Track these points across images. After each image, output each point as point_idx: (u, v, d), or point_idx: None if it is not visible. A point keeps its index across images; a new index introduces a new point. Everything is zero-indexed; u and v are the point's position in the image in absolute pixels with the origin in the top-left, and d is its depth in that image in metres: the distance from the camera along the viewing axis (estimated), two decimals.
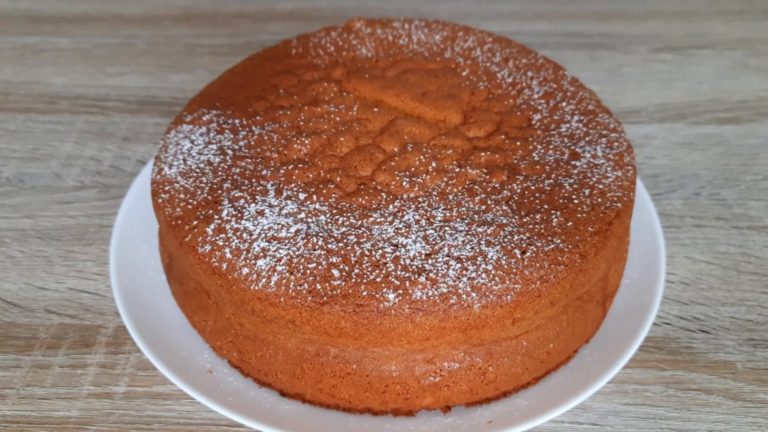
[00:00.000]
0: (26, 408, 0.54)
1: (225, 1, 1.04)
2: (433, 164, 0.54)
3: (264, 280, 0.46)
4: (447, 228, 0.49)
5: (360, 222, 0.49)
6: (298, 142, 0.56)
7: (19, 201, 0.71)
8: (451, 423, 0.50)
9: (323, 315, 0.45)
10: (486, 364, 0.49)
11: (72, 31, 0.98)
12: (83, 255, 0.66)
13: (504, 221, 0.49)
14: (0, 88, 0.87)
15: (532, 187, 0.52)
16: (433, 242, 0.48)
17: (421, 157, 0.54)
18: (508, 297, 0.46)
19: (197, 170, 0.54)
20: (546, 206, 0.50)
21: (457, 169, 0.53)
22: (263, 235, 0.49)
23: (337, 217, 0.50)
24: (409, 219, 0.50)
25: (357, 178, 0.53)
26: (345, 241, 0.48)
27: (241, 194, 0.52)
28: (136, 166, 0.75)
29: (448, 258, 0.47)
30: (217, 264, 0.48)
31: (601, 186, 0.52)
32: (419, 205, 0.51)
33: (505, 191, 0.52)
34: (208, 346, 0.55)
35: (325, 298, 0.45)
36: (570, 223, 0.49)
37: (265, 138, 0.57)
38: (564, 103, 0.60)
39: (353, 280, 0.46)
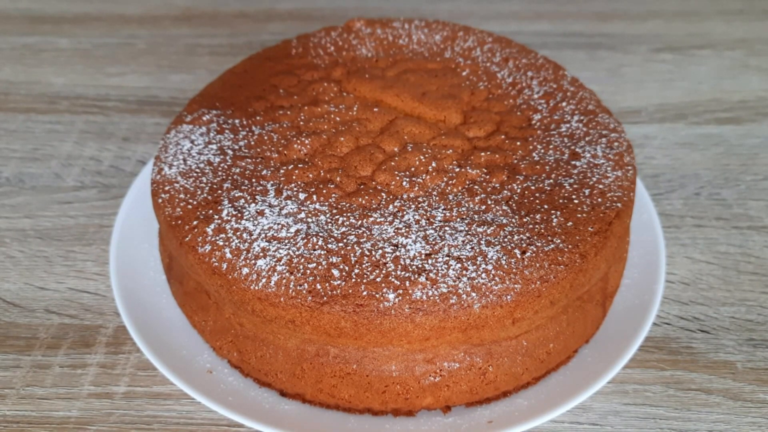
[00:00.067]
0: (26, 408, 0.54)
1: (225, 1, 1.04)
2: (433, 164, 0.54)
3: (264, 280, 0.46)
4: (447, 228, 0.49)
5: (360, 222, 0.49)
6: (298, 142, 0.56)
7: (19, 201, 0.71)
8: (451, 423, 0.50)
9: (323, 315, 0.45)
10: (486, 364, 0.49)
11: (72, 31, 0.98)
12: (83, 255, 0.66)
13: (504, 221, 0.49)
14: (0, 88, 0.87)
15: (532, 187, 0.52)
16: (433, 242, 0.48)
17: (421, 157, 0.54)
18: (508, 297, 0.46)
19: (197, 170, 0.54)
20: (546, 206, 0.50)
21: (457, 169, 0.53)
22: (263, 235, 0.49)
23: (337, 217, 0.50)
24: (409, 219, 0.50)
25: (357, 178, 0.53)
26: (345, 241, 0.48)
27: (241, 194, 0.52)
28: (136, 166, 0.75)
29: (448, 258, 0.47)
30: (217, 264, 0.48)
31: (601, 186, 0.52)
32: (419, 205, 0.51)
33: (505, 191, 0.52)
34: (208, 346, 0.55)
35: (325, 298, 0.45)
36: (570, 223, 0.49)
37: (265, 138, 0.57)
38: (564, 103, 0.60)
39: (353, 280, 0.46)
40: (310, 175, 0.53)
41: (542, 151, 0.55)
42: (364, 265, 0.47)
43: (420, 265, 0.46)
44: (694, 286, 0.63)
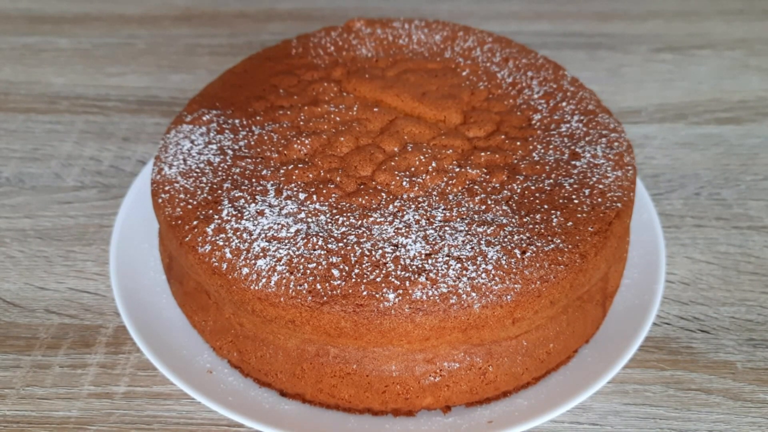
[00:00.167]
0: (26, 408, 0.54)
1: (225, 1, 1.04)
2: (433, 164, 0.54)
3: (264, 280, 0.46)
4: (447, 228, 0.49)
5: (360, 222, 0.49)
6: (298, 142, 0.56)
7: (19, 201, 0.71)
8: (451, 423, 0.50)
9: (323, 315, 0.45)
10: (486, 364, 0.49)
11: (72, 31, 0.98)
12: (83, 255, 0.66)
13: (504, 221, 0.49)
14: (0, 88, 0.87)
15: (532, 187, 0.52)
16: (433, 242, 0.48)
17: (421, 157, 0.54)
18: (508, 297, 0.46)
19: (197, 170, 0.54)
20: (546, 206, 0.50)
21: (457, 169, 0.53)
22: (263, 235, 0.49)
23: (337, 217, 0.50)
24: (409, 219, 0.50)
25: (357, 178, 0.53)
26: (345, 241, 0.48)
27: (241, 194, 0.52)
28: (136, 166, 0.75)
29: (448, 258, 0.47)
30: (217, 264, 0.48)
31: (601, 186, 0.52)
32: (419, 205, 0.51)
33: (505, 191, 0.52)
34: (208, 346, 0.55)
35: (325, 298, 0.45)
36: (570, 223, 0.49)
37: (265, 138, 0.57)
38: (564, 103, 0.60)
39: (353, 280, 0.46)
40: (310, 175, 0.53)
41: (542, 151, 0.55)
42: (364, 265, 0.47)
43: (420, 265, 0.46)
44: (694, 286, 0.63)
